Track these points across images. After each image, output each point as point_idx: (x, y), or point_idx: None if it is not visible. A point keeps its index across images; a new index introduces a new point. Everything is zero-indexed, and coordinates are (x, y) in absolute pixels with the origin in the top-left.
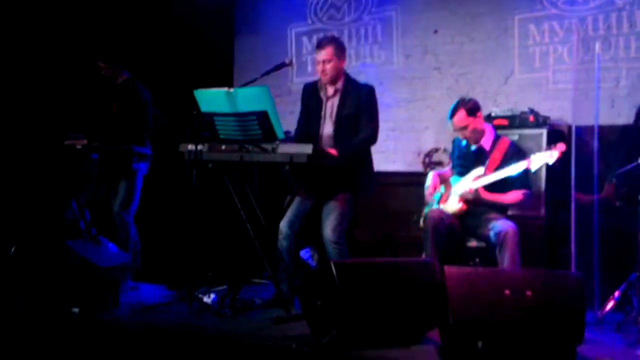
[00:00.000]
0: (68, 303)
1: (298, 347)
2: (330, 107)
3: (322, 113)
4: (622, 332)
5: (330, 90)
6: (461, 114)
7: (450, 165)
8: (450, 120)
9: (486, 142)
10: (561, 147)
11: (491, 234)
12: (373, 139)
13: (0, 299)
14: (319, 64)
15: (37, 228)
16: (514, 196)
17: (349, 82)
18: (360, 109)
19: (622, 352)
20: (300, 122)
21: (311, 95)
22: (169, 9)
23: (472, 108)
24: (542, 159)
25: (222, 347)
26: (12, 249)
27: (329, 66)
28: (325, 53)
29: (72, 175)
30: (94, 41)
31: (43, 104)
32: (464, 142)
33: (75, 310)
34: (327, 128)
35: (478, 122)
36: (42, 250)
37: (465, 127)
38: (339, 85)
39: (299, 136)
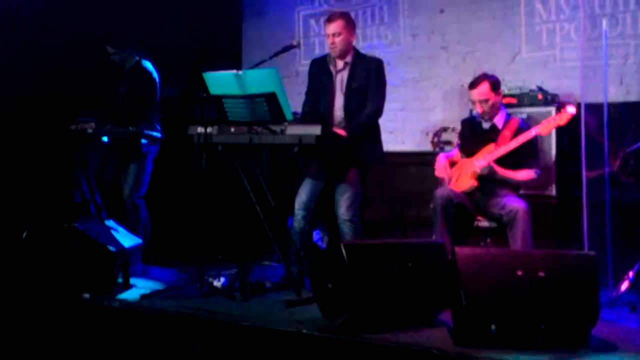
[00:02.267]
0: (79, 286)
1: (309, 331)
2: (340, 80)
3: (333, 86)
4: (638, 313)
5: (340, 63)
6: (485, 86)
7: (458, 146)
8: (470, 90)
9: (499, 121)
10: (571, 109)
11: (502, 212)
12: (378, 112)
13: (12, 282)
14: (328, 37)
15: (48, 212)
16: (526, 174)
17: (358, 55)
18: (369, 80)
19: (637, 333)
20: (308, 96)
21: (320, 69)
22: None
23: (496, 83)
24: (552, 122)
25: (232, 331)
26: (24, 233)
27: (338, 39)
28: (335, 26)
29: (82, 158)
30: (103, 25)
31: (54, 87)
32: (475, 121)
33: (86, 295)
34: (338, 101)
35: (498, 99)
36: (53, 234)
37: (486, 101)
38: (348, 59)
39: (308, 111)
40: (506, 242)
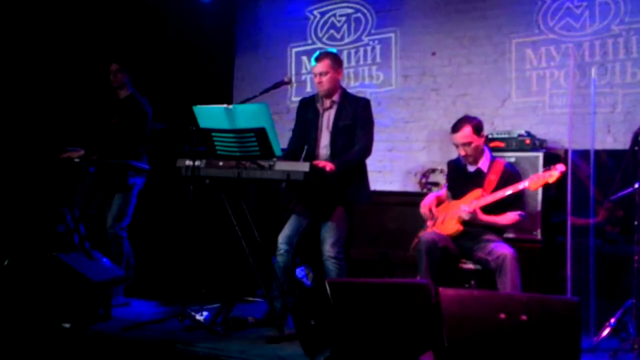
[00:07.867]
0: (60, 316)
1: None
2: (327, 118)
3: (319, 124)
4: (618, 359)
5: (327, 102)
6: (467, 129)
7: (446, 187)
8: (452, 134)
9: (484, 164)
10: (561, 167)
11: (489, 258)
12: (367, 150)
13: None
14: (315, 76)
15: (31, 241)
16: (510, 217)
17: (346, 95)
18: (356, 120)
19: None
20: (294, 133)
21: (308, 108)
22: (171, 26)
23: (478, 126)
24: (542, 178)
25: None
26: (5, 262)
27: (325, 78)
28: (321, 65)
29: (68, 187)
30: (96, 58)
31: (42, 116)
32: (460, 164)
33: (66, 325)
34: (324, 139)
35: (481, 142)
36: (34, 263)
37: (468, 144)
38: (336, 97)
39: (292, 147)
40: (491, 284)
